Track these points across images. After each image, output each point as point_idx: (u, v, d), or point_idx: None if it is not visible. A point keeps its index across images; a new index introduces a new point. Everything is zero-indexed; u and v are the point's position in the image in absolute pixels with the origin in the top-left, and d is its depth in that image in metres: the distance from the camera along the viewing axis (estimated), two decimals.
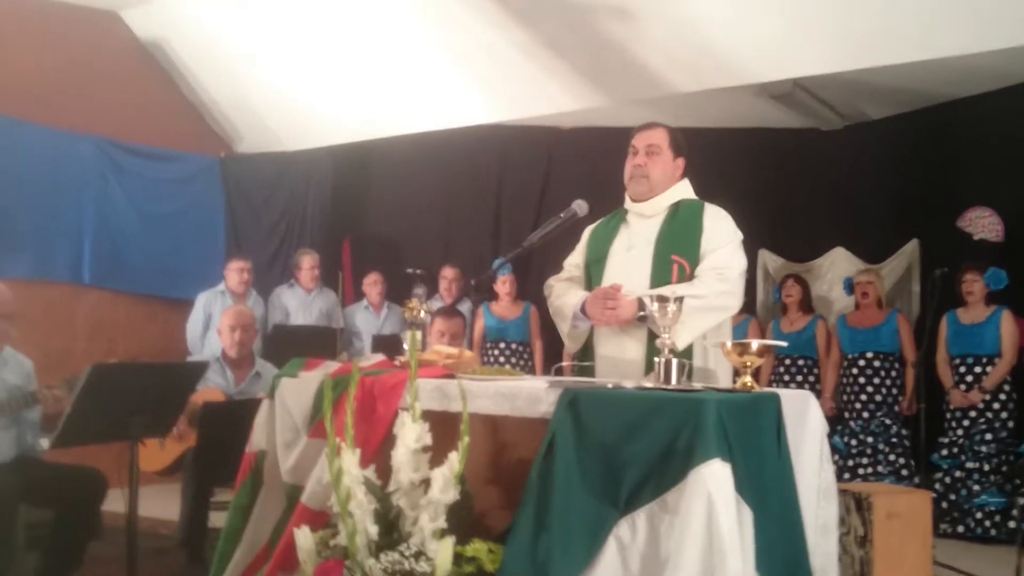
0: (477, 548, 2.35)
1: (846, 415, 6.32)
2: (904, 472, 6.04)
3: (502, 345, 6.94)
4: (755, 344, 2.53)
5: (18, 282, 6.07)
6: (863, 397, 6.22)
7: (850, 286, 6.53)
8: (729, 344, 2.57)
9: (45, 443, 3.77)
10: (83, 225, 6.93)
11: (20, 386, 3.82)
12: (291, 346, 5.97)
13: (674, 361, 2.48)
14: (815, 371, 6.57)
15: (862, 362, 6.25)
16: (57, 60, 6.68)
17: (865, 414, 6.20)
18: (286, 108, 7.45)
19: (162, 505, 5.12)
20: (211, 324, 6.59)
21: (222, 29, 6.91)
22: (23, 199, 6.49)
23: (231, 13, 6.74)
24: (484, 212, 7.90)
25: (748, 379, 2.50)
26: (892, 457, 6.08)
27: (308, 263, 7.21)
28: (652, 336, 3.02)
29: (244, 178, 7.95)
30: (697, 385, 2.60)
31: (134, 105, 7.25)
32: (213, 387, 4.90)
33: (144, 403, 3.49)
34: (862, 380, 6.24)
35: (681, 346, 2.91)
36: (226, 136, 8.03)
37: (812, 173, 7.06)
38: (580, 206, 3.30)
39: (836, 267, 7.04)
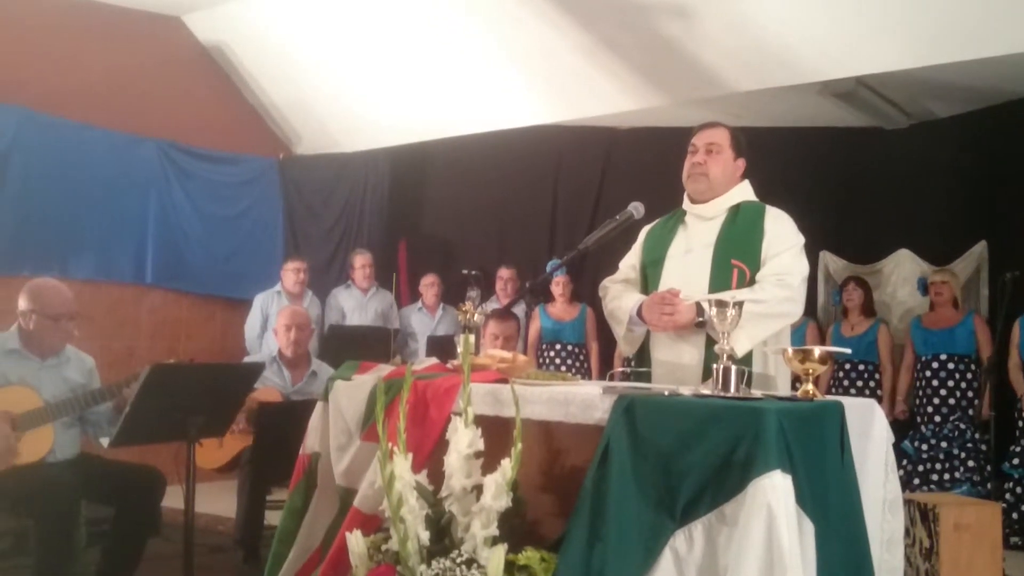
0: (529, 556, 2.30)
1: (917, 419, 6.14)
2: (976, 478, 5.85)
3: (558, 347, 6.91)
4: (818, 351, 2.44)
5: (83, 282, 6.26)
6: (936, 400, 6.04)
7: (924, 286, 6.35)
8: (790, 351, 2.48)
9: (105, 441, 3.83)
10: (146, 226, 7.06)
11: (83, 384, 3.89)
12: (347, 346, 6.03)
13: (733, 368, 2.41)
14: (876, 376, 6.41)
15: (935, 364, 6.08)
16: (120, 64, 6.82)
17: (937, 418, 6.02)
18: (344, 110, 7.50)
19: (220, 502, 5.18)
20: (268, 324, 6.67)
21: (281, 33, 6.99)
22: (88, 201, 6.64)
23: (290, 17, 6.80)
24: (540, 213, 7.87)
25: (810, 387, 2.42)
26: (970, 463, 5.89)
27: (360, 262, 7.26)
28: (710, 342, 2.95)
29: (302, 179, 8.03)
30: (756, 393, 2.52)
31: (195, 108, 7.38)
32: (270, 387, 4.96)
33: (201, 403, 3.52)
34: (935, 383, 6.06)
35: (740, 352, 2.84)
36: (285, 138, 8.12)
37: (875, 173, 6.88)
38: (637, 208, 3.24)
39: (900, 269, 6.86)
